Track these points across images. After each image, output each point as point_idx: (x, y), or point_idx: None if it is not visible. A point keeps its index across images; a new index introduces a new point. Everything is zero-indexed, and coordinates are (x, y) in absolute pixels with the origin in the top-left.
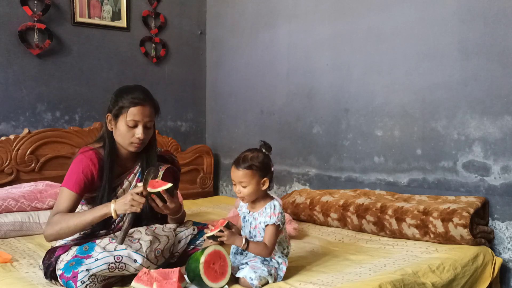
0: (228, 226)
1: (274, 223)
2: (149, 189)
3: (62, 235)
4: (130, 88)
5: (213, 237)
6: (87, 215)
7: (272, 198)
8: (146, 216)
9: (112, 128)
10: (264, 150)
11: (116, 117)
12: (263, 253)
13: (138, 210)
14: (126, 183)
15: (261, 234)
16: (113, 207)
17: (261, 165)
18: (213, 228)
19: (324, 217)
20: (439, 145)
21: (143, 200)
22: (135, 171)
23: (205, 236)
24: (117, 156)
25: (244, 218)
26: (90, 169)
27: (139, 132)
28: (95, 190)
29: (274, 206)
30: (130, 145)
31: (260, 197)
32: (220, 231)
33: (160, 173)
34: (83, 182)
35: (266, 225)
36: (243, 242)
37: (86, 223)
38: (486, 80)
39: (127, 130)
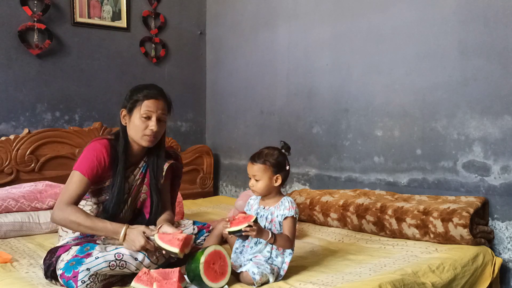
0: (256, 221)
1: (292, 215)
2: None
3: (69, 227)
4: (145, 85)
5: (237, 232)
6: (100, 231)
7: (283, 195)
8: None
9: (126, 123)
10: (283, 150)
11: (130, 110)
12: (287, 245)
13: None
14: (131, 177)
15: (276, 228)
16: (122, 237)
17: (275, 161)
18: (228, 222)
19: (324, 217)
20: (439, 145)
21: (149, 250)
22: (139, 165)
23: (225, 231)
24: (129, 150)
25: (258, 214)
26: (104, 156)
27: (152, 124)
28: (104, 180)
29: (291, 200)
30: (142, 137)
31: (274, 193)
32: (249, 225)
33: (164, 169)
34: (95, 168)
35: (285, 218)
36: (270, 235)
37: (97, 234)
38: (486, 80)
39: (141, 122)
